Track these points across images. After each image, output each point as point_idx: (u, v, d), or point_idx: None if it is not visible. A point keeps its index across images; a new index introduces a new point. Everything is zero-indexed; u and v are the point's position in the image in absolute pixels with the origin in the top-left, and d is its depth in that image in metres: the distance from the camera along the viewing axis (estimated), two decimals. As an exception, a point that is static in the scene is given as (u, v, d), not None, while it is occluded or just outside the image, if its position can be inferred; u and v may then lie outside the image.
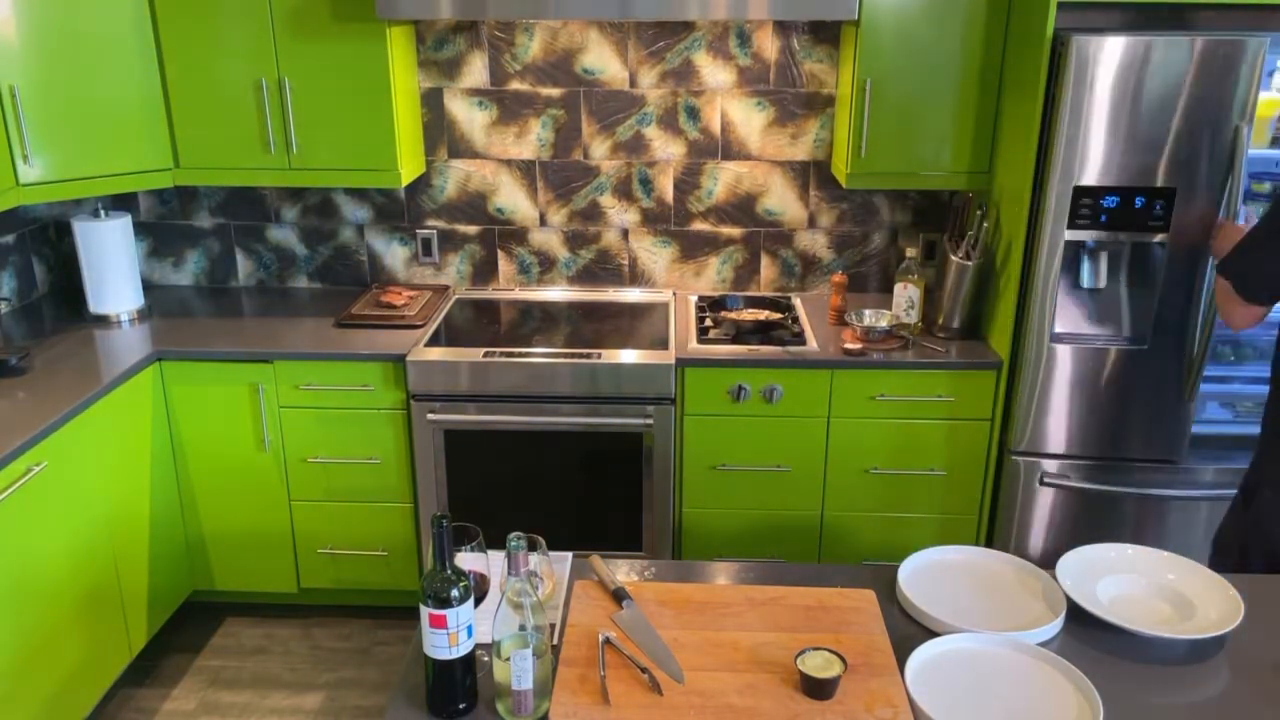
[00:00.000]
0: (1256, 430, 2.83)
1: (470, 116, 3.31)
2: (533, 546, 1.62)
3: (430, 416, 2.92)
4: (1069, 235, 2.65)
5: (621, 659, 1.59)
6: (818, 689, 1.49)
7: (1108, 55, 2.50)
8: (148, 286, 3.50)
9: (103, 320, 3.16)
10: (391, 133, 3.00)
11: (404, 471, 3.03)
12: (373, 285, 3.50)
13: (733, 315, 3.13)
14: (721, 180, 3.35)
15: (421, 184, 3.39)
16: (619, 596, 1.74)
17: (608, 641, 1.63)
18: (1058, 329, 2.75)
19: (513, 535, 1.41)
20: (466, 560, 1.52)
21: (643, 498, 2.99)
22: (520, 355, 2.89)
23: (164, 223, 3.48)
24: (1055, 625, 1.67)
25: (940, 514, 3.03)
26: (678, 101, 3.27)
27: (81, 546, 2.62)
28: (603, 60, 3.23)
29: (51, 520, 2.50)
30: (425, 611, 1.43)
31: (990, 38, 2.82)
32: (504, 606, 1.42)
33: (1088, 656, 1.62)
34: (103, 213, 3.13)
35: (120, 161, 2.94)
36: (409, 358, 2.89)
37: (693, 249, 3.43)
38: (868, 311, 3.03)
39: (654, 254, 3.44)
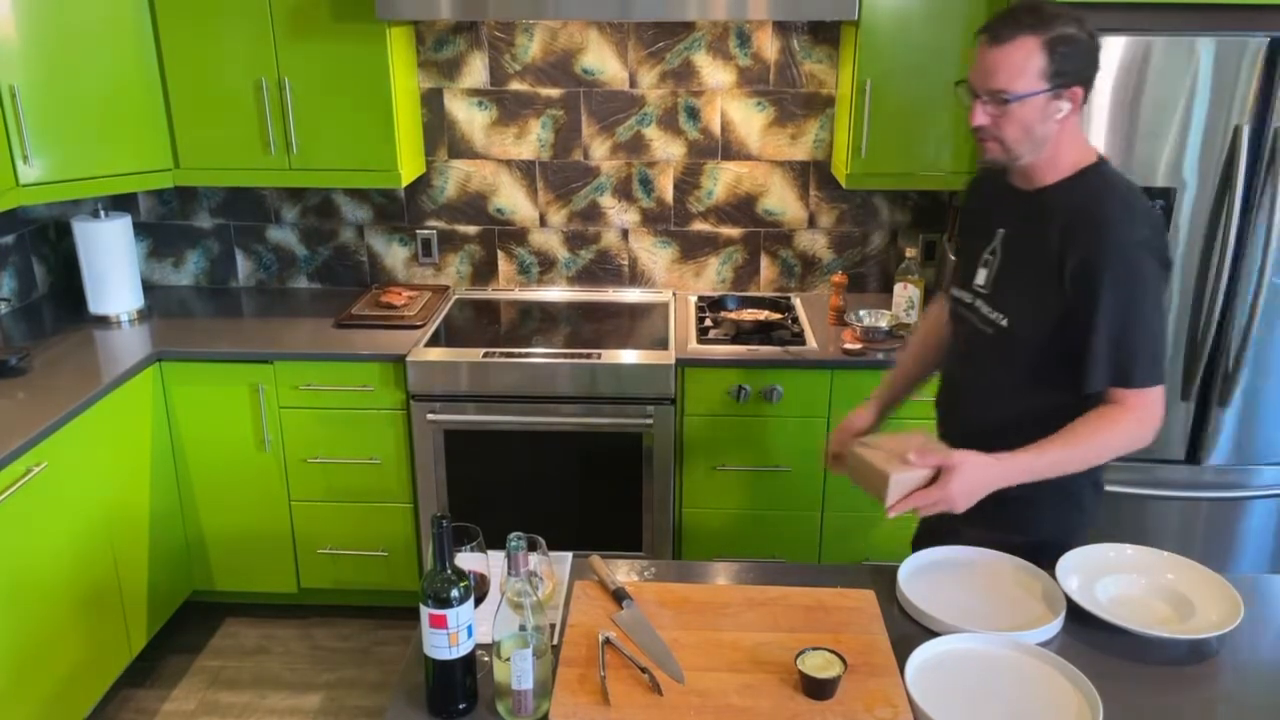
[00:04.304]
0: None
1: (470, 117, 3.31)
2: (533, 546, 1.62)
3: (430, 417, 2.91)
4: None
5: (621, 659, 1.59)
6: (817, 689, 1.49)
7: (1108, 55, 2.50)
8: (148, 287, 3.49)
9: (103, 320, 3.15)
10: (391, 133, 3.00)
11: (404, 472, 3.03)
12: (373, 285, 3.50)
13: (732, 315, 3.13)
14: (721, 180, 3.35)
15: (421, 184, 3.39)
16: (619, 597, 1.74)
17: (608, 641, 1.63)
18: None
19: (513, 535, 1.41)
20: (466, 560, 1.52)
21: (642, 498, 2.99)
22: (520, 355, 2.89)
23: (164, 223, 3.48)
24: (1055, 625, 1.67)
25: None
26: (677, 102, 3.27)
27: (81, 547, 2.62)
28: (602, 60, 3.23)
29: (51, 520, 2.50)
30: (425, 611, 1.43)
31: (990, 38, 2.82)
32: (504, 606, 1.42)
33: (1087, 656, 1.61)
34: (102, 213, 3.13)
35: (120, 162, 2.94)
36: (409, 358, 2.89)
37: (692, 249, 3.43)
38: (867, 312, 3.03)
39: (654, 254, 3.44)
